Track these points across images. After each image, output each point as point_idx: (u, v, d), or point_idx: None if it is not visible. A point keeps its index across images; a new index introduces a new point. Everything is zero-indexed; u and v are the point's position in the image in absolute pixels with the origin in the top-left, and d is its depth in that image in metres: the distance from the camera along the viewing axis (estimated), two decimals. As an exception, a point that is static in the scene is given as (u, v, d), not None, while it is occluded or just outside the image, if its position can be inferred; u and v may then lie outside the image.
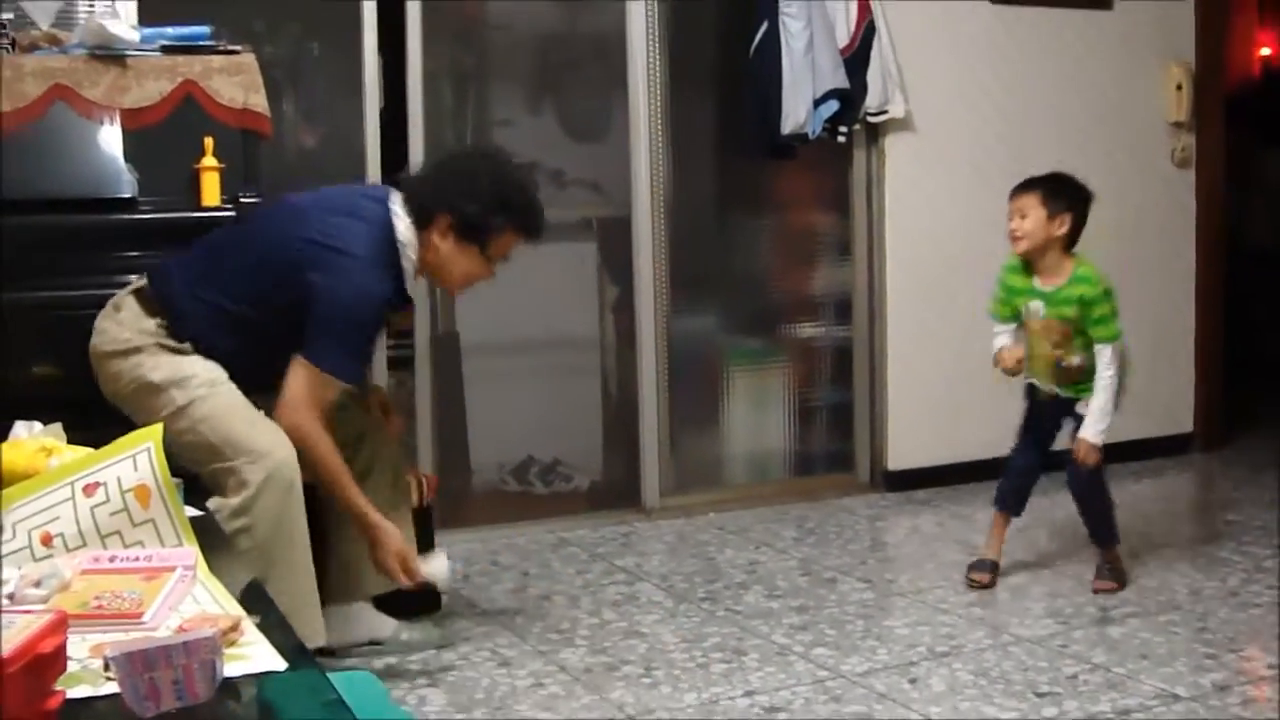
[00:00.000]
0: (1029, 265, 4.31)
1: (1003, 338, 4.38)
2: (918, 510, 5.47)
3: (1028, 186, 4.33)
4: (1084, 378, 4.26)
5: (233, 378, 3.39)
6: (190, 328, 3.37)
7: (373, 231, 3.42)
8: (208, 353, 3.37)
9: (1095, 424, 4.23)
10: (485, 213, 3.45)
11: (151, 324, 3.37)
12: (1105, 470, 4.40)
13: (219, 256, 3.46)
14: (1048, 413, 4.38)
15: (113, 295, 3.46)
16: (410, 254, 3.44)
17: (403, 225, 3.44)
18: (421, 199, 3.47)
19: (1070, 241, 4.28)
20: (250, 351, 3.39)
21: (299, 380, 3.31)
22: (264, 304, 3.38)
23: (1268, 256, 7.76)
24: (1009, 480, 4.51)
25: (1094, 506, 4.45)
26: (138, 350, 3.35)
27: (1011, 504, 4.50)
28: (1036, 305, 4.27)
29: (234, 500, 3.20)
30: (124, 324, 3.38)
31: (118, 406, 3.35)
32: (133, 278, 3.49)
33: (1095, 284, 4.20)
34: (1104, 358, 4.20)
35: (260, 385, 3.38)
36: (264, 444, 3.26)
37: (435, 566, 3.68)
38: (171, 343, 3.37)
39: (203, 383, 3.32)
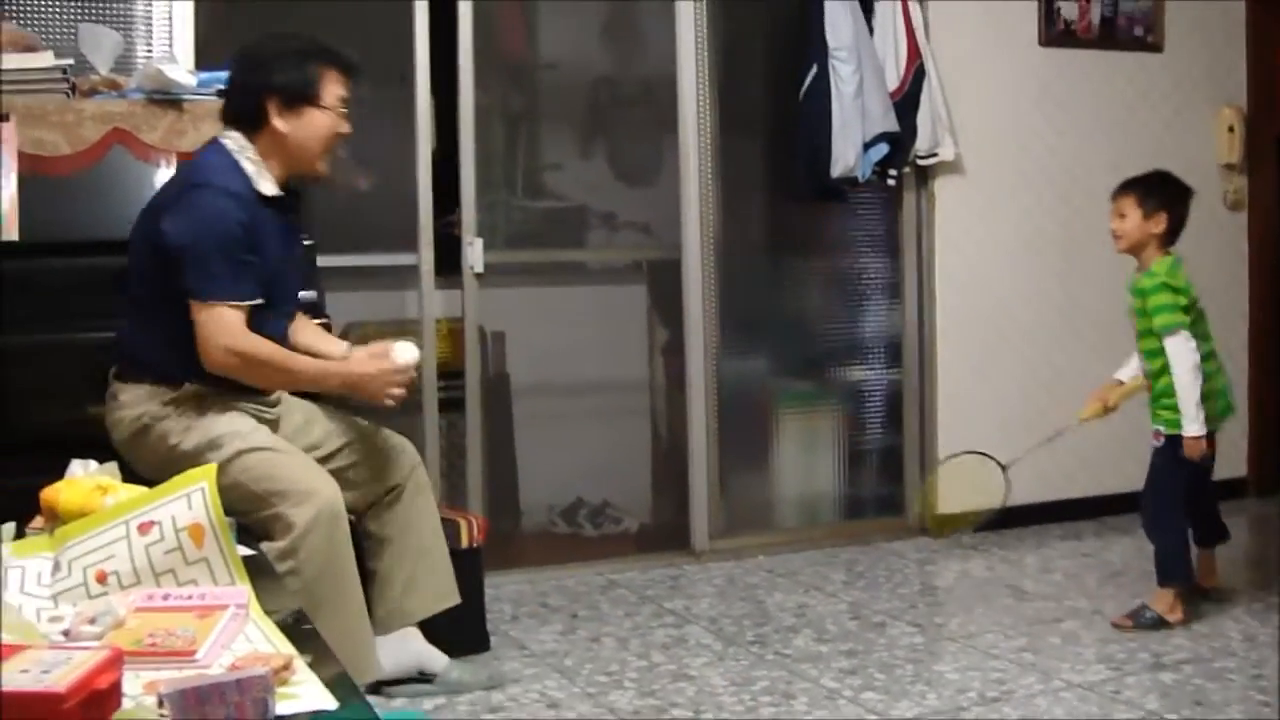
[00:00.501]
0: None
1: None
2: (967, 554, 5.44)
3: (1126, 187, 4.50)
4: (1157, 395, 4.37)
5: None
6: (173, 366, 3.38)
7: (197, 166, 3.42)
8: (204, 375, 3.39)
9: (1186, 422, 4.28)
10: (297, 69, 3.43)
11: (145, 391, 3.39)
12: (1176, 507, 4.43)
13: (131, 288, 3.45)
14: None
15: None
16: (253, 156, 3.41)
17: (229, 139, 3.43)
18: (239, 105, 3.45)
19: (1169, 239, 4.40)
20: None
21: (200, 326, 3.27)
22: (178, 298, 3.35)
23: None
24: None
25: (1158, 538, 4.48)
26: (155, 423, 3.36)
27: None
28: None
29: (281, 543, 3.22)
30: (127, 405, 3.39)
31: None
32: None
33: (1155, 275, 4.32)
34: (1170, 352, 4.29)
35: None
36: (306, 486, 3.28)
37: (401, 350, 3.58)
38: (175, 394, 3.38)
39: (233, 437, 3.33)
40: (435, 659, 3.79)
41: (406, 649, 3.75)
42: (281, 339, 3.49)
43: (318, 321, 3.87)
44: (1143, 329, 4.40)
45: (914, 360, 5.78)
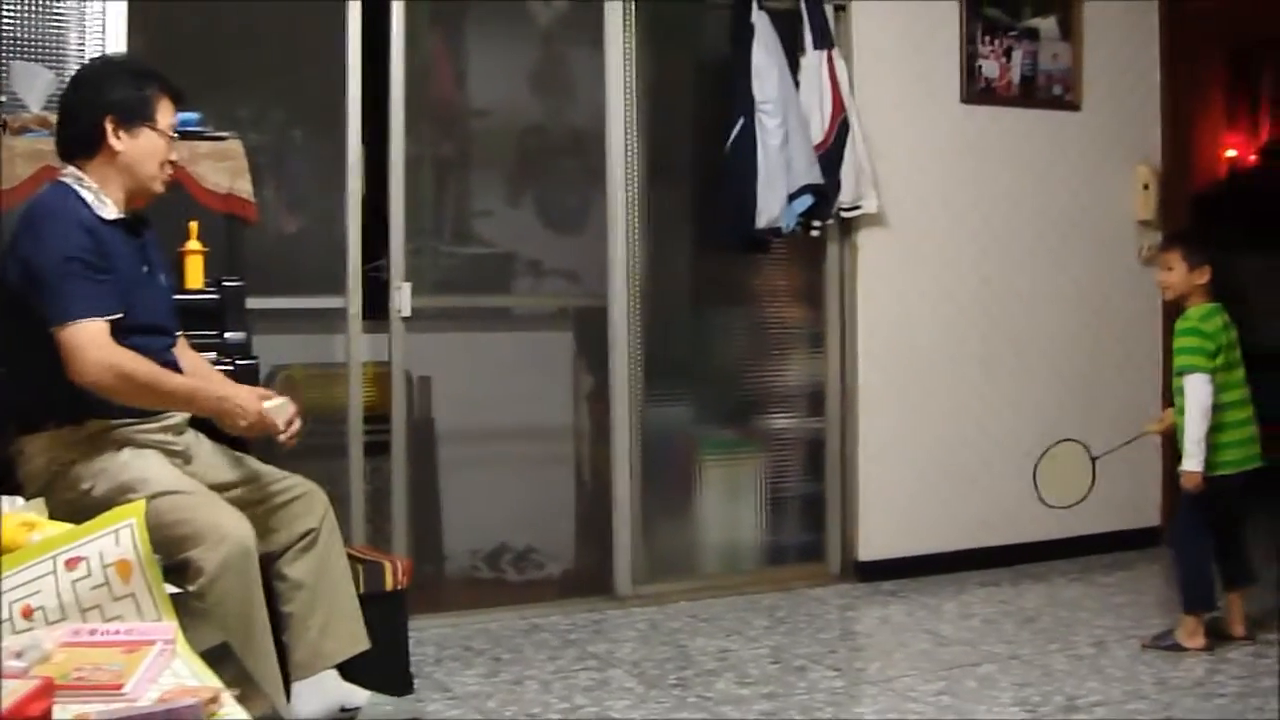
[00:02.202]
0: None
1: None
2: (887, 600, 5.51)
3: (1172, 241, 4.82)
4: (1183, 435, 4.56)
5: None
6: (66, 405, 3.37)
7: (36, 203, 3.44)
8: (102, 404, 3.36)
9: (1186, 454, 4.52)
10: (134, 88, 3.47)
11: (48, 438, 3.39)
12: (1198, 539, 4.63)
13: (5, 335, 3.44)
14: None
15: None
16: (89, 184, 3.43)
17: (65, 176, 3.46)
18: (75, 129, 3.48)
19: (1213, 288, 4.64)
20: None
21: (67, 350, 3.25)
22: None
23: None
24: None
25: (1180, 568, 4.70)
26: (66, 469, 3.37)
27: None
28: None
29: (192, 586, 3.21)
30: (34, 455, 3.40)
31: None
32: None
33: (1188, 320, 4.60)
34: (1186, 390, 4.53)
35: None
36: (215, 529, 3.26)
37: (274, 406, 3.58)
38: (78, 434, 3.38)
39: (142, 483, 3.30)
40: (355, 694, 3.78)
41: (327, 689, 3.74)
42: (170, 365, 3.51)
43: (243, 361, 3.88)
44: (1175, 369, 4.64)
45: (836, 409, 5.85)
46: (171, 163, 3.57)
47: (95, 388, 3.29)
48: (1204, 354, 4.51)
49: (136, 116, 3.47)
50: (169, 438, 3.52)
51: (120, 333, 3.34)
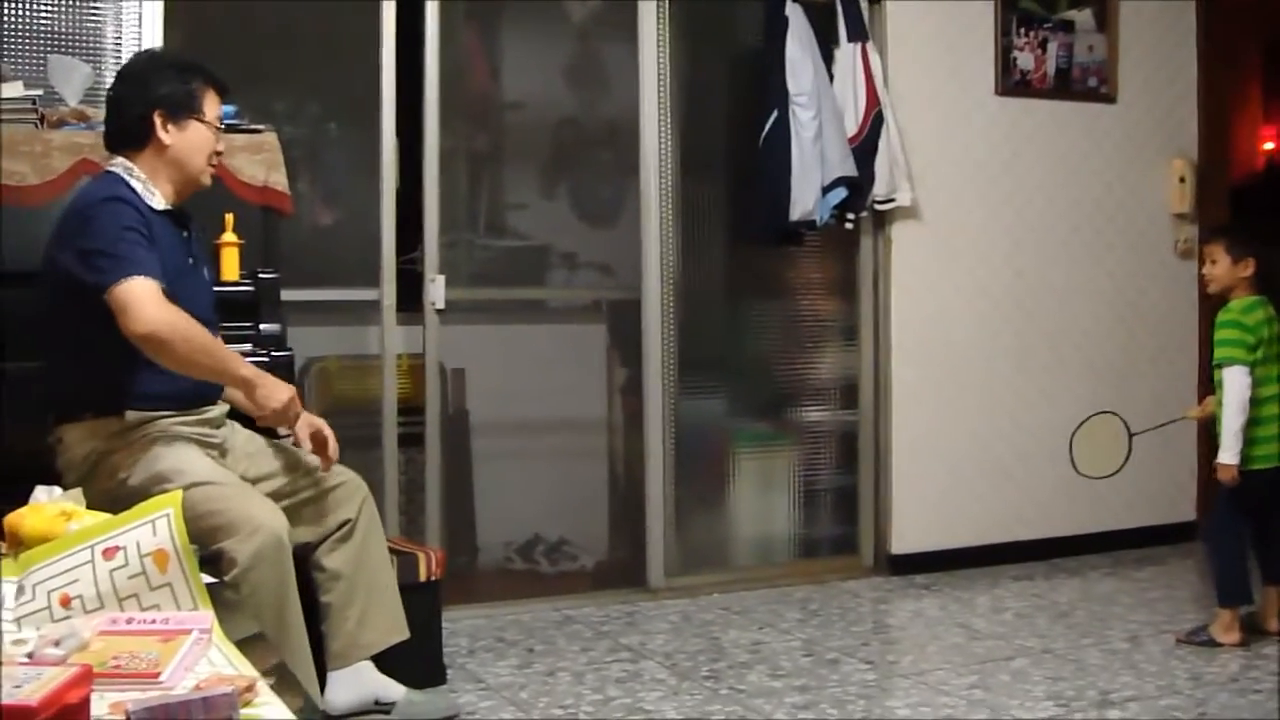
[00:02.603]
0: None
1: None
2: (920, 594, 5.50)
3: (1215, 234, 4.83)
4: (1221, 427, 4.57)
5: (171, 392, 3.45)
6: (108, 395, 3.41)
7: (87, 190, 3.47)
8: (142, 396, 3.42)
9: (1223, 446, 4.53)
10: (180, 82, 3.51)
11: (88, 428, 3.42)
12: (1233, 533, 4.63)
13: (51, 326, 3.48)
14: None
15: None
16: (138, 174, 3.48)
17: (114, 165, 3.50)
18: (124, 123, 3.52)
19: (1256, 281, 4.62)
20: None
21: (121, 309, 3.25)
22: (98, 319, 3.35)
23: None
24: None
25: (1215, 561, 4.70)
26: (105, 458, 3.39)
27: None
28: None
29: (226, 577, 3.24)
30: (73, 445, 3.43)
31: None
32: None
33: (1230, 311, 4.60)
34: (1224, 382, 4.53)
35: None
36: (249, 520, 3.28)
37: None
38: (119, 425, 3.41)
39: (177, 474, 3.33)
40: (391, 689, 3.80)
41: (363, 680, 3.77)
42: None
43: (278, 353, 3.91)
44: (1214, 361, 4.63)
45: (869, 402, 5.85)
46: (219, 154, 3.62)
47: (150, 341, 3.27)
48: (1244, 346, 4.50)
49: (184, 109, 3.51)
50: (206, 431, 3.55)
51: None
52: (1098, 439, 4.85)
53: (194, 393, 3.52)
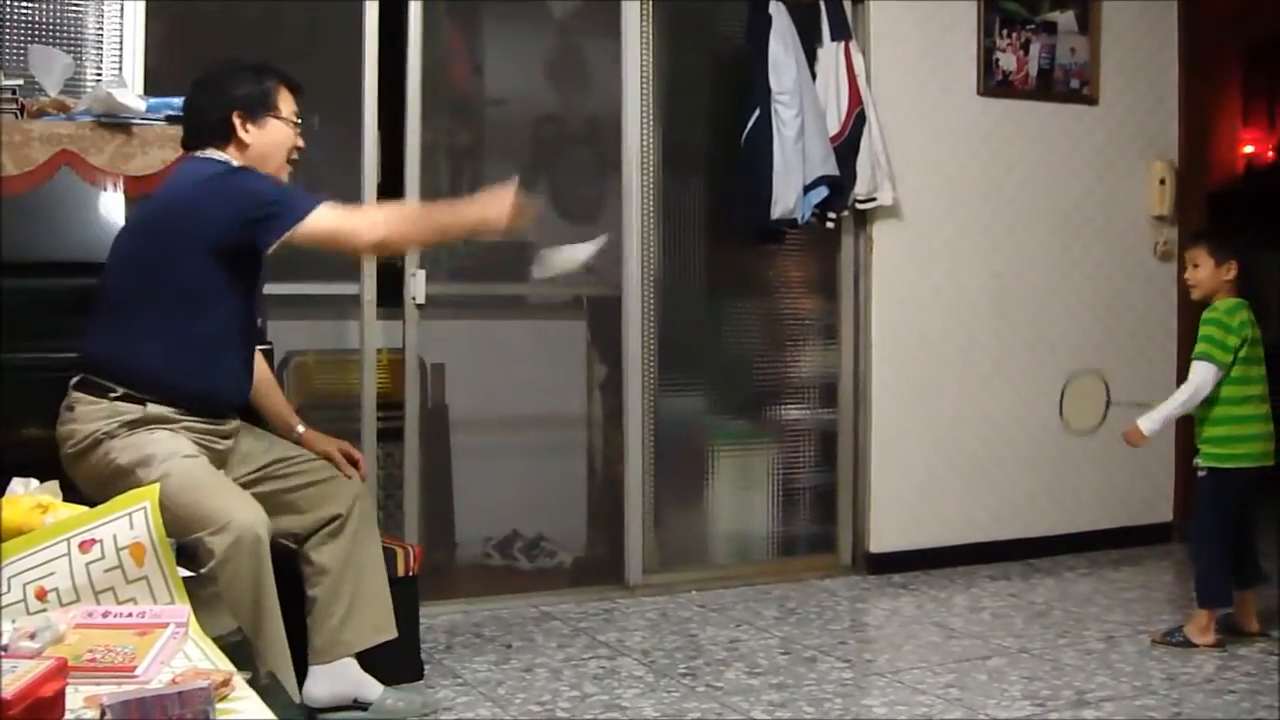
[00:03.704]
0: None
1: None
2: (897, 593, 5.52)
3: (1198, 238, 4.82)
4: (1197, 424, 4.63)
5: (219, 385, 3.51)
6: (146, 383, 3.41)
7: (202, 164, 3.52)
8: (173, 392, 3.42)
9: (1150, 417, 4.62)
10: (255, 83, 3.58)
11: (105, 408, 3.40)
12: (1215, 535, 4.60)
13: (118, 301, 3.49)
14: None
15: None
16: (224, 159, 3.55)
17: (206, 152, 3.54)
18: (205, 124, 3.56)
19: (1239, 284, 4.65)
20: (207, 338, 3.47)
21: (329, 229, 3.40)
22: (198, 274, 3.43)
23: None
24: None
25: (1196, 563, 4.73)
26: (104, 439, 3.38)
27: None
28: None
29: (202, 569, 3.23)
30: (82, 419, 3.41)
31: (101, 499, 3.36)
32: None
33: (1215, 311, 4.60)
34: (1191, 370, 4.59)
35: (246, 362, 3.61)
36: (226, 513, 3.27)
37: (576, 252, 3.95)
38: (135, 415, 3.41)
39: (163, 456, 3.34)
40: (371, 687, 3.80)
41: (342, 677, 3.76)
42: (247, 370, 3.63)
43: (260, 348, 3.90)
44: (1192, 355, 4.65)
45: (848, 401, 5.85)
46: (299, 149, 3.68)
47: (386, 242, 3.59)
48: (1223, 347, 4.51)
49: (261, 107, 3.57)
50: (214, 439, 3.55)
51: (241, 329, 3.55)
52: (1083, 395, 4.90)
53: (223, 400, 3.56)
